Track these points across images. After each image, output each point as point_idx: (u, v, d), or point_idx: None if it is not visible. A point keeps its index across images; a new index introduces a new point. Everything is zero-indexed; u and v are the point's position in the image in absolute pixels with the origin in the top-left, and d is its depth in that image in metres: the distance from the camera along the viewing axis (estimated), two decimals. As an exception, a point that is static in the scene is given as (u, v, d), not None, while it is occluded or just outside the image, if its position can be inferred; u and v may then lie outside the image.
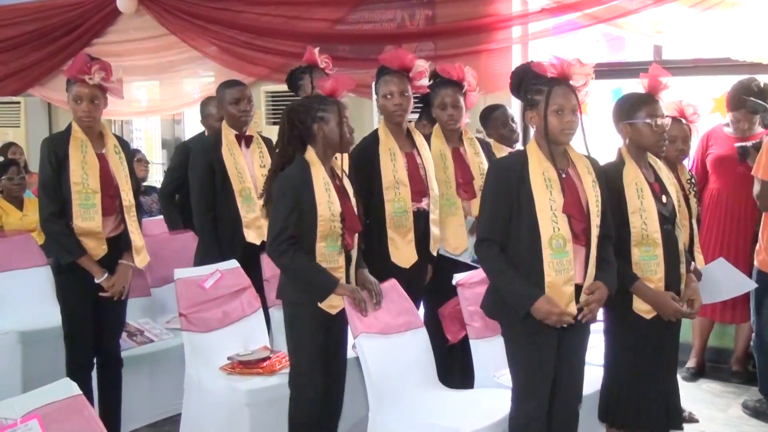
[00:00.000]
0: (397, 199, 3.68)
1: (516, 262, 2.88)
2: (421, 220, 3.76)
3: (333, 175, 3.28)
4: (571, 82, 2.84)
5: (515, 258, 2.88)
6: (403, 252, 3.70)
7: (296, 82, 4.40)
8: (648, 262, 3.07)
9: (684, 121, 3.73)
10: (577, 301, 2.88)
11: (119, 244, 3.64)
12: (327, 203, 3.16)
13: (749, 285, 3.83)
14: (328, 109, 3.20)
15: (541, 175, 2.84)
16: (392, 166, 3.68)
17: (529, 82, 2.92)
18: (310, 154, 3.22)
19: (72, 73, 3.51)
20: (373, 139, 3.78)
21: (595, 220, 2.88)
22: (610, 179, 3.04)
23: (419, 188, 3.74)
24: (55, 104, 7.81)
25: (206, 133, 4.94)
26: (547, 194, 2.82)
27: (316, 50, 4.40)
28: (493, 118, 4.49)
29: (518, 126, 4.62)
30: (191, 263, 4.24)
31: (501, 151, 4.32)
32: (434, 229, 3.79)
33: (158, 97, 7.46)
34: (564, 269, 2.82)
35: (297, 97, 4.41)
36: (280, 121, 3.30)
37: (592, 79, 2.88)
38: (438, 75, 4.00)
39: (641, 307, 3.08)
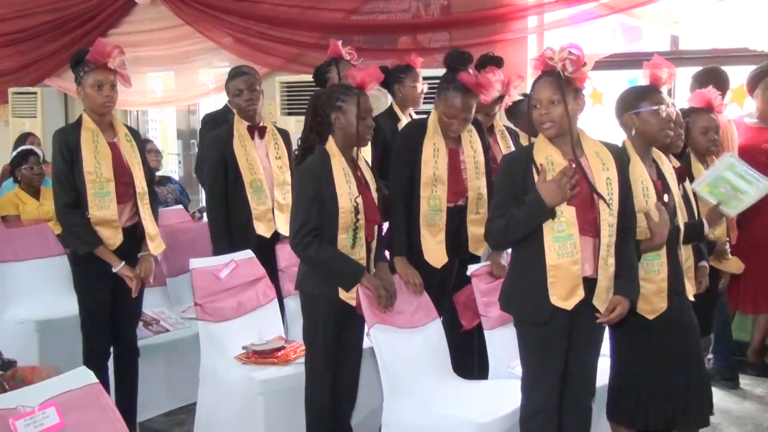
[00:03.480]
0: (433, 197, 3.60)
1: (522, 251, 2.89)
2: (455, 216, 3.67)
3: (354, 165, 3.24)
4: (567, 73, 2.77)
5: (522, 247, 2.89)
6: (432, 252, 3.64)
7: (323, 75, 4.33)
8: (651, 262, 3.04)
9: (711, 111, 3.69)
10: (591, 295, 2.85)
11: (135, 234, 3.65)
12: (348, 195, 3.13)
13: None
14: (347, 100, 3.15)
15: (543, 161, 2.82)
16: (434, 163, 3.58)
17: None
18: (330, 145, 3.19)
19: (94, 56, 3.49)
20: (421, 128, 3.66)
21: (606, 212, 2.82)
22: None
23: (458, 189, 3.65)
24: (72, 95, 7.80)
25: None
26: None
27: (340, 42, 4.38)
28: (520, 108, 4.42)
29: None
30: (207, 253, 4.24)
31: (528, 142, 4.19)
32: (474, 229, 3.70)
33: (173, 88, 7.45)
34: (568, 252, 2.79)
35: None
36: (306, 107, 3.27)
37: (585, 61, 2.80)
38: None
39: (644, 308, 3.04)
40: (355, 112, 3.15)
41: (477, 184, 3.67)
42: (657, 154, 3.17)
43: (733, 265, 3.84)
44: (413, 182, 3.61)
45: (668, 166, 3.20)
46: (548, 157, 2.83)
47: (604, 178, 2.83)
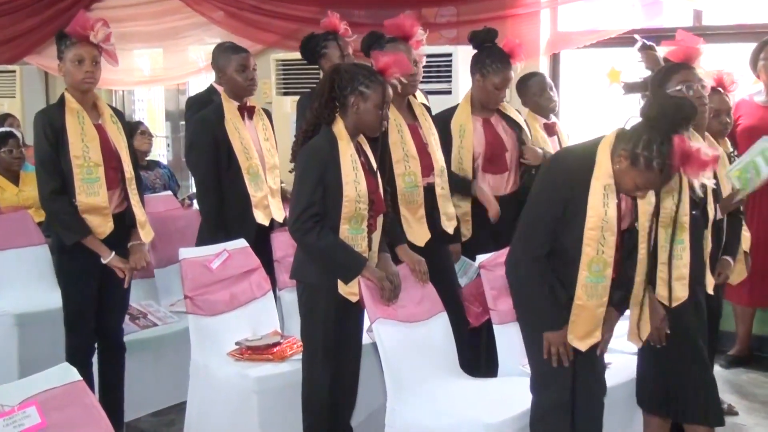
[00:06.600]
0: (407, 173, 3.57)
1: (553, 270, 2.78)
2: (429, 196, 3.66)
3: (359, 151, 3.14)
4: None
5: (553, 265, 2.77)
6: (415, 230, 3.61)
7: (319, 50, 4.14)
8: (675, 247, 2.96)
9: (723, 91, 3.61)
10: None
11: (124, 221, 3.57)
12: (353, 182, 3.03)
13: None
14: (372, 87, 3.03)
15: (602, 190, 2.68)
16: (400, 139, 3.58)
17: None
18: (339, 127, 3.08)
19: (74, 29, 3.40)
20: None
21: (644, 248, 2.75)
22: None
23: (426, 162, 3.64)
24: (53, 73, 7.69)
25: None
26: (602, 213, 2.68)
27: (337, 16, 4.22)
28: (529, 85, 4.41)
29: (556, 95, 4.54)
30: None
31: (536, 121, 4.29)
32: (445, 205, 3.71)
33: (162, 66, 7.37)
34: (598, 294, 2.74)
35: (314, 69, 4.34)
36: (320, 80, 3.17)
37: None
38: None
39: (665, 294, 2.98)
40: (377, 102, 3.04)
41: (439, 156, 3.70)
42: (692, 134, 3.05)
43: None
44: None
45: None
46: (607, 188, 2.67)
47: (648, 211, 2.75)
